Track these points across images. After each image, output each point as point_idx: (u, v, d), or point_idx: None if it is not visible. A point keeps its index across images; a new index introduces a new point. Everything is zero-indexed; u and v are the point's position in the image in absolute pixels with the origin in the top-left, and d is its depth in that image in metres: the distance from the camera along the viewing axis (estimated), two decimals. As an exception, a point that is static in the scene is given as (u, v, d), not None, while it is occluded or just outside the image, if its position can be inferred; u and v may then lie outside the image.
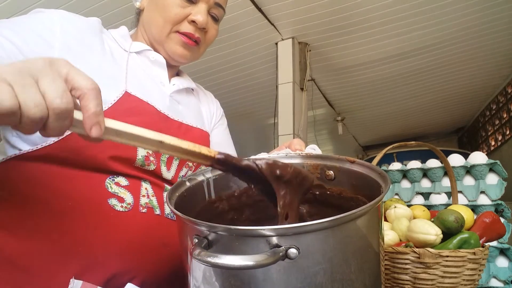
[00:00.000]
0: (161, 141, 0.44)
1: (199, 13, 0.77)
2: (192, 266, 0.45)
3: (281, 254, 0.37)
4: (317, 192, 0.64)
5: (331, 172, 0.62)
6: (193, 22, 0.77)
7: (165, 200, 0.69)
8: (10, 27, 0.61)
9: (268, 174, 0.49)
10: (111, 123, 0.43)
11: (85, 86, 0.39)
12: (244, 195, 0.66)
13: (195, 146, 0.46)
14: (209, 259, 0.36)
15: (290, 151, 0.70)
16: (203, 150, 0.47)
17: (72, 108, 0.38)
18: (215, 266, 0.36)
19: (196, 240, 0.41)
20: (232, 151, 0.97)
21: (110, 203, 0.62)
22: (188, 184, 0.58)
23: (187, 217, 0.43)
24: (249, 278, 0.40)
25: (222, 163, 0.47)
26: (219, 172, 0.62)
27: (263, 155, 0.68)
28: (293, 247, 0.38)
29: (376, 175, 0.54)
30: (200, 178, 0.61)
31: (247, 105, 4.46)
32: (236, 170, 0.49)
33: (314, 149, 0.74)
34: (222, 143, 0.94)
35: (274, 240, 0.38)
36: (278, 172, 0.50)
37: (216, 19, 0.83)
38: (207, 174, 0.62)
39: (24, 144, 0.62)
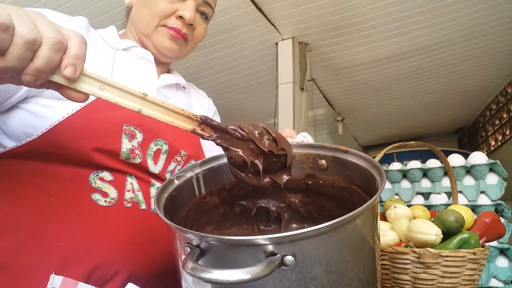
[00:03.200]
0: (145, 94, 0.45)
1: (186, 9, 0.77)
2: (184, 274, 0.44)
3: (277, 262, 0.36)
4: (310, 182, 0.63)
5: (324, 161, 0.60)
6: (180, 17, 0.78)
7: (151, 195, 0.69)
8: None
9: (249, 132, 0.53)
10: (93, 72, 0.43)
11: (72, 33, 0.40)
12: (235, 187, 0.64)
13: (177, 108, 0.48)
14: (202, 274, 0.34)
15: None
16: (186, 112, 0.48)
17: (65, 44, 0.40)
18: (208, 282, 0.34)
19: (189, 249, 0.39)
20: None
21: (93, 198, 0.62)
22: (176, 182, 0.57)
23: (178, 226, 0.41)
24: (244, 286, 0.38)
25: (204, 122, 0.51)
26: (208, 166, 0.62)
27: None
28: (289, 254, 0.37)
29: (371, 166, 0.52)
30: (189, 174, 0.59)
31: (247, 105, 4.46)
32: (218, 130, 0.52)
33: (305, 136, 0.73)
34: None
35: (270, 248, 0.36)
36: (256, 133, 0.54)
37: (204, 17, 0.84)
38: (196, 170, 0.61)
39: (9, 140, 0.63)
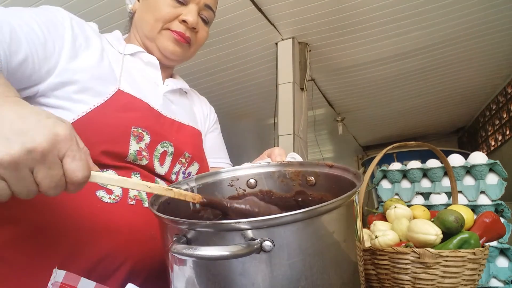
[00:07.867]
0: (149, 187, 0.49)
1: (189, 13, 0.79)
2: (171, 263, 0.46)
3: (255, 246, 0.38)
4: (300, 199, 0.65)
5: (312, 178, 0.63)
6: (184, 22, 0.79)
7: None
8: (30, 14, 0.63)
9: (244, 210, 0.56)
10: (97, 178, 0.46)
11: (74, 178, 0.43)
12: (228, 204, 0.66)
13: (181, 194, 0.51)
14: (185, 251, 0.38)
15: (271, 160, 0.71)
16: (188, 197, 0.52)
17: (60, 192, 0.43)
18: (191, 257, 0.38)
19: (175, 238, 0.42)
20: (225, 155, 1.00)
21: (98, 195, 0.64)
22: None
23: (165, 216, 0.44)
24: (226, 272, 0.41)
25: (207, 204, 0.54)
26: (203, 181, 0.65)
27: (247, 165, 0.69)
28: (267, 240, 0.39)
29: (352, 175, 0.55)
30: (184, 187, 0.62)
31: (247, 105, 4.46)
32: (217, 207, 0.56)
33: (294, 157, 0.75)
34: (215, 147, 0.97)
35: (249, 233, 0.39)
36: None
37: (206, 21, 0.86)
38: (191, 183, 0.63)
39: None
